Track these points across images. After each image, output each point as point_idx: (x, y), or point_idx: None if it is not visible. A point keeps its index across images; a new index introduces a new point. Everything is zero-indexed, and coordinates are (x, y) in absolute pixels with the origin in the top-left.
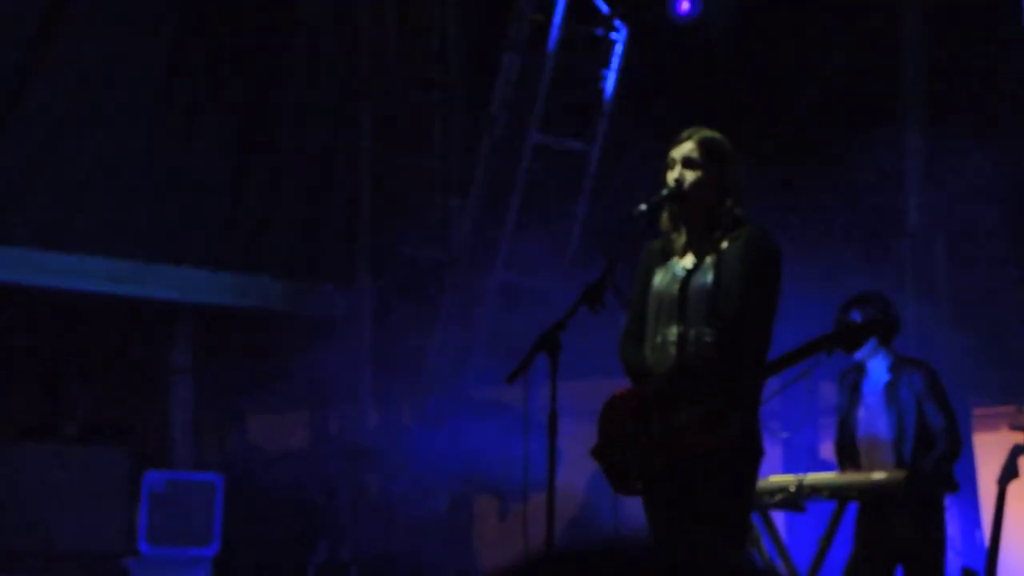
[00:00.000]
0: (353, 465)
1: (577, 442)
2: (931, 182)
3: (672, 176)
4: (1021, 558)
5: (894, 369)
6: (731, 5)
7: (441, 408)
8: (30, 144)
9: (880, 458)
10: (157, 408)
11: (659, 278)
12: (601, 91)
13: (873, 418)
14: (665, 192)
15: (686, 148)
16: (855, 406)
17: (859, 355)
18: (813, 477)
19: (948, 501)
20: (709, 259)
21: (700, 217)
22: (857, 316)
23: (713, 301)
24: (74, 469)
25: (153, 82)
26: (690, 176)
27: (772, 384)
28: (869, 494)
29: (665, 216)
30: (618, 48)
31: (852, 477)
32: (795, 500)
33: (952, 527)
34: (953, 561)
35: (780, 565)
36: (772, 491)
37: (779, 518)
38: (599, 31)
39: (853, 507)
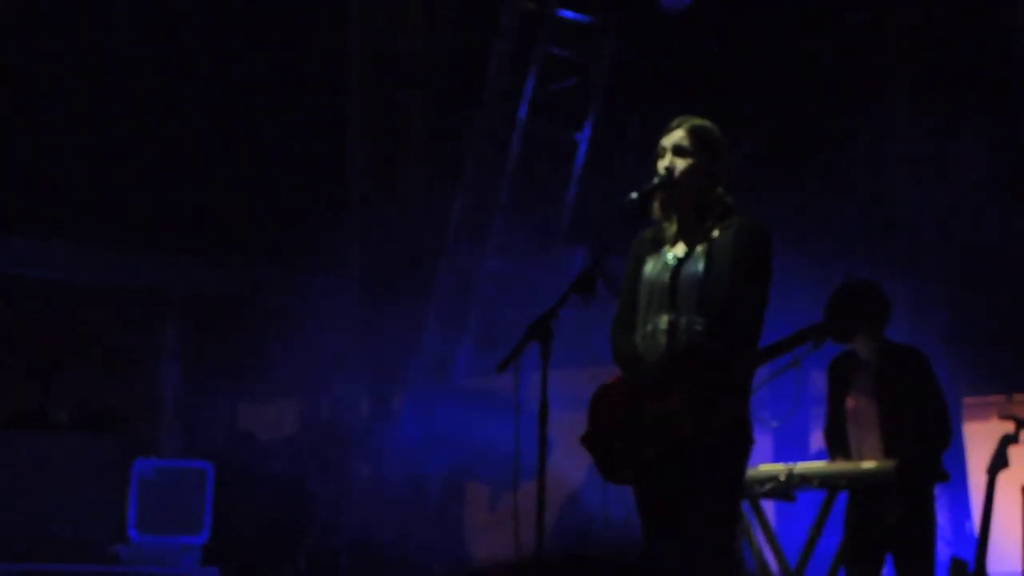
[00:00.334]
0: (343, 452)
1: (567, 431)
2: (921, 170)
3: (663, 164)
4: (1011, 548)
5: (886, 357)
6: None
7: (431, 396)
8: (22, 135)
9: (870, 447)
10: (147, 395)
11: (650, 267)
12: (591, 79)
13: (863, 406)
14: (656, 180)
15: (676, 136)
16: (845, 394)
17: (853, 344)
18: (803, 466)
19: (938, 490)
20: (700, 247)
21: (691, 205)
22: (847, 305)
23: (704, 289)
24: (63, 456)
25: (143, 73)
26: (680, 164)
27: (762, 373)
28: (859, 483)
29: (656, 205)
30: (609, 37)
31: (842, 466)
32: (785, 489)
33: (942, 516)
34: (943, 551)
35: (770, 555)
36: (762, 480)
37: (769, 507)
38: (591, 18)
39: (843, 496)
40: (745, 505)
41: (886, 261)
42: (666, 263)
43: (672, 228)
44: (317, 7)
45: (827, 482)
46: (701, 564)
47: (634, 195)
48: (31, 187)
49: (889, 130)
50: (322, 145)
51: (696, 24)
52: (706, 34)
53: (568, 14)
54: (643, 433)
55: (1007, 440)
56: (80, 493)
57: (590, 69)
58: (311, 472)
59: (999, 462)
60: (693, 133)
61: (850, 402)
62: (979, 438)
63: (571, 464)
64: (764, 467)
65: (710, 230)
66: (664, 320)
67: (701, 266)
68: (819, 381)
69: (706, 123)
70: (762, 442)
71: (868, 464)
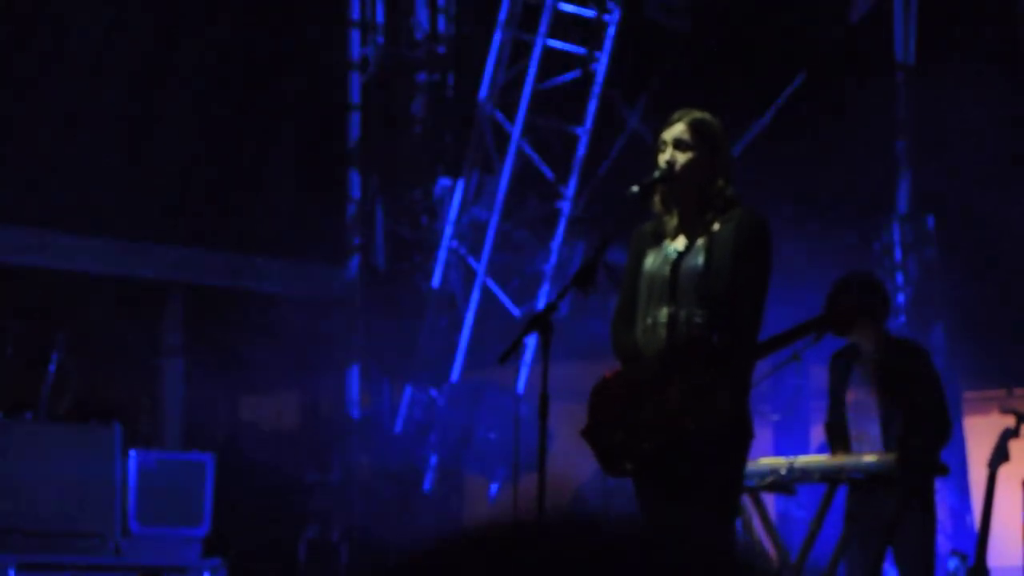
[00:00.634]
0: (342, 444)
1: (568, 423)
2: (922, 165)
3: (663, 158)
4: (1011, 542)
5: (887, 351)
6: None
7: (431, 388)
8: (19, 123)
9: (870, 441)
10: (148, 387)
11: (650, 260)
12: (593, 72)
13: (864, 400)
14: (657, 174)
15: (677, 130)
16: (846, 388)
17: (851, 337)
18: (804, 460)
19: (938, 484)
20: (701, 241)
21: (692, 199)
22: (847, 298)
23: (704, 283)
24: (64, 448)
25: (145, 64)
26: (681, 158)
27: (763, 366)
28: (859, 477)
29: (657, 198)
30: (610, 30)
31: (843, 460)
32: (786, 483)
33: (942, 510)
34: (943, 544)
35: (770, 548)
36: (763, 474)
37: (769, 501)
38: (592, 12)
39: (843, 490)
40: (746, 499)
41: (888, 255)
42: (667, 256)
43: (673, 221)
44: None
45: (828, 475)
46: (700, 557)
47: (635, 188)
48: (32, 177)
49: (890, 126)
50: (322, 137)
51: (696, 17)
52: (706, 25)
53: (569, 7)
54: (643, 426)
55: (1008, 434)
56: (80, 485)
57: (592, 62)
58: (311, 464)
59: (1000, 456)
60: (694, 126)
61: (851, 396)
62: (980, 432)
63: (572, 457)
64: (765, 461)
65: (711, 223)
66: (664, 313)
67: (701, 259)
68: (820, 375)
69: (706, 116)
70: (763, 435)
71: (869, 457)
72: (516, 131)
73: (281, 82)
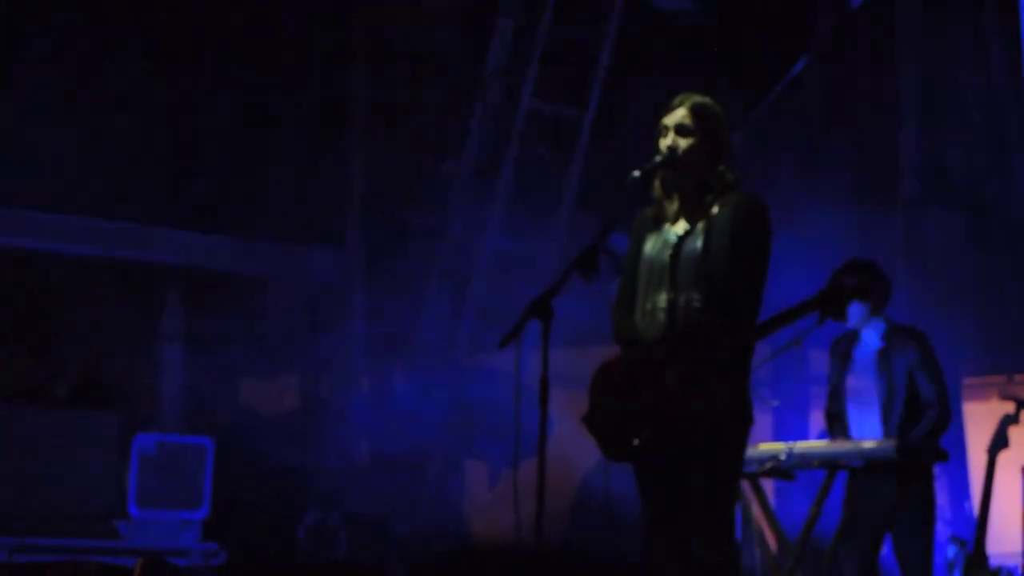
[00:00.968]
0: (343, 427)
1: (568, 409)
2: (925, 153)
3: (665, 143)
4: (1011, 528)
5: (887, 337)
6: None
7: (432, 373)
8: (22, 105)
9: (870, 427)
10: (148, 371)
11: (650, 245)
12: (596, 57)
13: (864, 386)
14: (659, 159)
15: (678, 115)
16: (846, 374)
17: (852, 323)
18: (803, 445)
19: (937, 470)
20: (700, 225)
21: (693, 183)
22: (846, 282)
23: (702, 267)
24: (64, 432)
25: (147, 48)
26: (683, 143)
27: (762, 352)
28: (859, 463)
29: (657, 183)
30: (613, 14)
31: (842, 446)
32: (785, 469)
33: (941, 496)
34: (942, 531)
35: (769, 534)
36: (762, 459)
37: (768, 486)
38: None
39: (843, 476)
40: (745, 484)
41: (889, 241)
42: (667, 241)
43: (673, 206)
44: None
45: (827, 461)
46: (701, 544)
47: (636, 173)
48: (34, 160)
49: (894, 114)
50: (324, 121)
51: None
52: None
53: None
54: (643, 411)
55: (1007, 420)
56: (80, 468)
57: (595, 47)
58: (310, 448)
59: (999, 442)
60: (695, 111)
61: (851, 382)
62: (979, 418)
63: (572, 442)
64: (764, 446)
65: (710, 206)
66: (663, 298)
67: (700, 243)
68: (819, 360)
69: (707, 100)
70: (762, 421)
71: (868, 444)
72: (520, 115)
73: (285, 64)
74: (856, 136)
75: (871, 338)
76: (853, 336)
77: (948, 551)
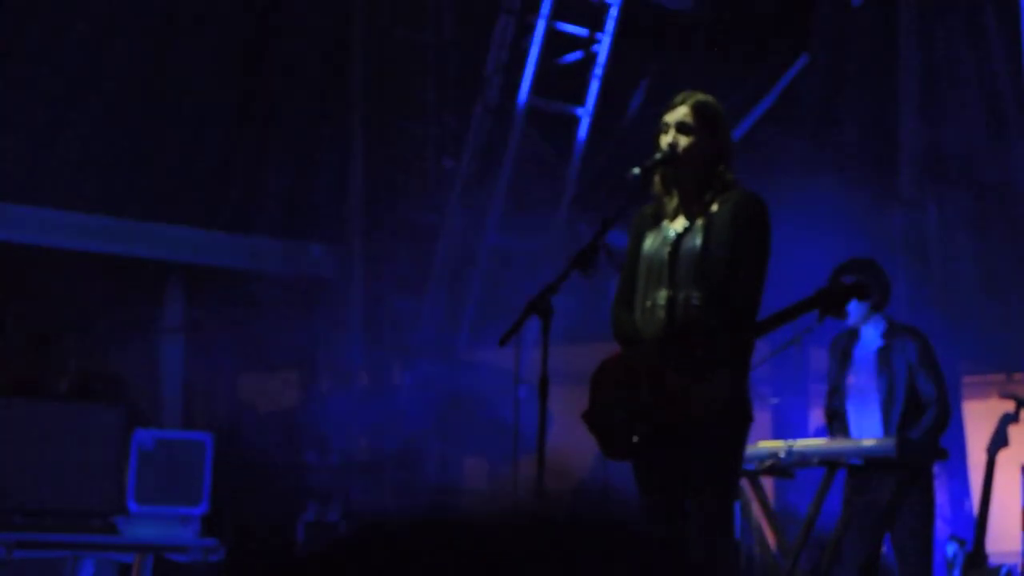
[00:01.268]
0: (342, 424)
1: (568, 406)
2: (924, 150)
3: (666, 140)
4: (1010, 527)
5: (887, 336)
6: None
7: (432, 369)
8: (18, 101)
9: (870, 425)
10: (147, 366)
11: (649, 242)
12: (595, 55)
13: (864, 384)
14: (659, 156)
15: (680, 113)
16: (846, 372)
17: (852, 321)
18: (802, 444)
19: (937, 469)
20: (700, 222)
21: (692, 181)
22: (846, 281)
23: (702, 264)
24: (63, 427)
25: (147, 44)
26: (683, 141)
27: (762, 350)
28: (858, 461)
29: (657, 180)
30: (613, 11)
31: (841, 444)
32: (784, 467)
33: (941, 495)
34: (941, 530)
35: (768, 532)
36: (762, 457)
37: (768, 484)
38: None
39: (842, 474)
40: (744, 482)
41: (888, 240)
42: (666, 238)
43: (672, 203)
44: None
45: (826, 460)
46: (700, 541)
47: (636, 170)
48: (34, 156)
49: (892, 111)
50: (324, 117)
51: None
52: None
53: None
54: (642, 409)
55: (1007, 419)
56: (79, 463)
57: (594, 44)
58: (310, 444)
59: (999, 441)
60: (696, 109)
61: (850, 380)
62: (979, 417)
63: (571, 440)
64: (764, 444)
65: (710, 204)
66: (663, 295)
67: (699, 241)
68: (819, 358)
69: (709, 99)
70: (762, 419)
71: (867, 442)
72: (519, 112)
73: (283, 61)
74: (856, 132)
75: (871, 336)
76: (853, 334)
77: (948, 550)
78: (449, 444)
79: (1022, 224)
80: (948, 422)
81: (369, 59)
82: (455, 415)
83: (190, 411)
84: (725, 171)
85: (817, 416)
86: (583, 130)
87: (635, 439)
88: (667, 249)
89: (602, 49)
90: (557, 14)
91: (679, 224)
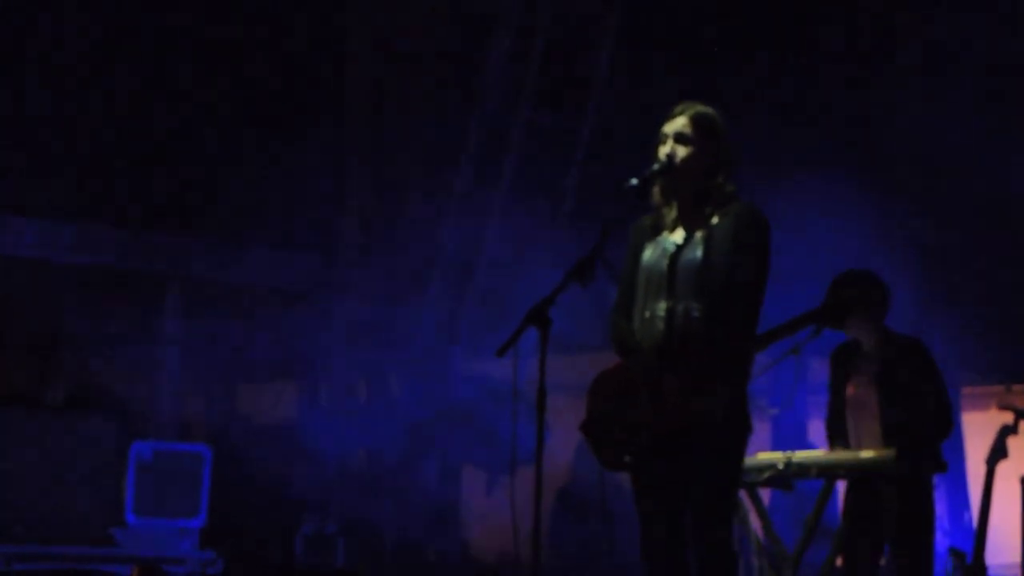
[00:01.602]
0: (340, 436)
1: (566, 417)
2: (920, 160)
3: (664, 151)
4: (1009, 539)
5: (887, 347)
6: None
7: (429, 380)
8: (14, 115)
9: (870, 436)
10: (145, 378)
11: (648, 253)
12: (594, 66)
13: (863, 396)
14: (656, 167)
15: (679, 123)
16: (846, 383)
17: (852, 332)
18: (802, 455)
19: (936, 481)
20: (699, 234)
21: (691, 192)
22: (845, 291)
23: (702, 276)
24: (61, 439)
25: (140, 51)
26: (682, 151)
27: (761, 361)
28: (858, 472)
29: (656, 191)
30: (612, 22)
31: (841, 455)
32: (783, 478)
33: (940, 506)
34: (941, 541)
35: (767, 543)
36: (760, 468)
37: (766, 496)
38: (594, 5)
39: (841, 485)
40: (743, 494)
41: (884, 249)
42: (665, 249)
43: (671, 214)
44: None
45: (826, 471)
46: (699, 553)
47: (634, 181)
48: (31, 168)
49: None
50: (320, 129)
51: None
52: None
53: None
54: (641, 420)
55: (1006, 431)
56: (77, 475)
57: (593, 55)
58: (307, 456)
59: (998, 452)
60: (695, 121)
61: (851, 391)
62: (978, 428)
63: (569, 451)
64: (763, 455)
65: (709, 216)
66: (662, 307)
67: (700, 252)
68: (818, 369)
69: (708, 110)
70: (761, 430)
71: (867, 453)
72: (518, 123)
73: (281, 73)
74: (856, 135)
75: (871, 347)
76: (853, 345)
77: (947, 562)
78: (447, 455)
79: (1021, 235)
80: (949, 433)
81: (367, 72)
82: (453, 426)
83: (188, 423)
84: (725, 182)
85: (816, 427)
86: (582, 141)
87: (627, 459)
88: (666, 261)
89: (601, 60)
90: (556, 24)
91: (678, 235)
